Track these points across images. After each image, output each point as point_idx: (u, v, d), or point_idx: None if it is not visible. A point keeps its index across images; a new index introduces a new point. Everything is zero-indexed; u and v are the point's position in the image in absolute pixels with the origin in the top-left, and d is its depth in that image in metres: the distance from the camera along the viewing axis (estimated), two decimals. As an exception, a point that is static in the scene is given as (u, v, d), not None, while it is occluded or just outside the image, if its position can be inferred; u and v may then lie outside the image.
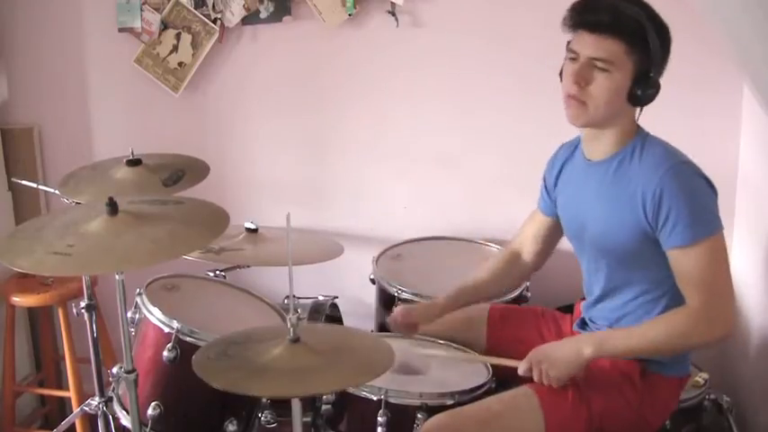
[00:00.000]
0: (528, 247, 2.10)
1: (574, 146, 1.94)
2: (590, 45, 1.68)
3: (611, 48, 1.66)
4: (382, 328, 2.34)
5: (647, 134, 1.78)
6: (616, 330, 1.83)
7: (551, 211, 2.02)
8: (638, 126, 1.79)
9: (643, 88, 1.69)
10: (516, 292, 2.33)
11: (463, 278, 2.12)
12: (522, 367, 1.80)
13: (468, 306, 2.11)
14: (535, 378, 1.77)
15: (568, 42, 1.75)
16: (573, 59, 1.72)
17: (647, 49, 1.66)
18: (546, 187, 2.02)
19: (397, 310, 2.11)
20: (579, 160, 1.89)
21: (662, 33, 1.68)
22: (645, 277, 1.78)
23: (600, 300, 1.89)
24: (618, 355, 1.78)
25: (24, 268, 1.50)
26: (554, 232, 2.05)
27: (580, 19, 1.70)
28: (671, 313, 1.71)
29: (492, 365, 1.96)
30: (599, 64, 1.68)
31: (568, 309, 2.14)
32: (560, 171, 1.96)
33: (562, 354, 1.76)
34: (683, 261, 1.68)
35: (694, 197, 1.67)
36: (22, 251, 1.54)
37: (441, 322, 2.08)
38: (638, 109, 1.76)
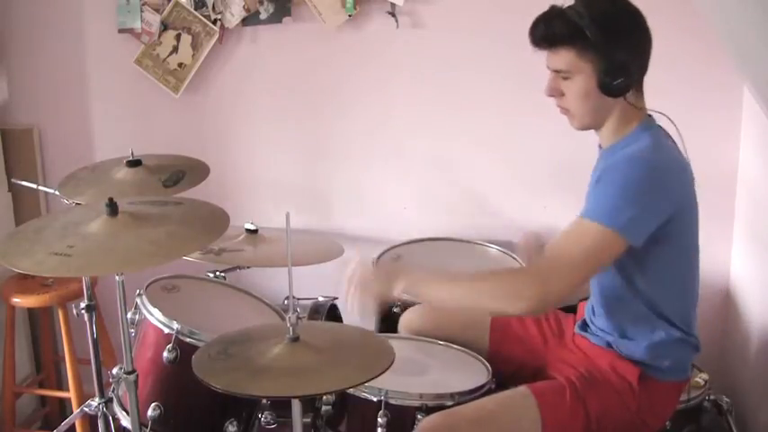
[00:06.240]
0: None
1: None
2: (549, 59, 1.74)
3: (562, 58, 1.70)
4: (383, 329, 2.34)
5: (650, 128, 1.75)
6: (440, 274, 1.83)
7: None
8: (644, 116, 1.76)
9: (610, 80, 1.67)
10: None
11: None
12: (349, 270, 1.78)
13: None
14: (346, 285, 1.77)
15: None
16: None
17: (594, 46, 1.65)
18: None
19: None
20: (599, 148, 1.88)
21: (609, 24, 1.66)
22: (633, 278, 1.75)
23: (596, 299, 1.88)
24: (434, 300, 1.80)
25: (24, 269, 1.50)
26: None
27: (531, 38, 1.74)
28: (507, 270, 1.70)
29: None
30: (560, 74, 1.73)
31: (571, 309, 2.14)
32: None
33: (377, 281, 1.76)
34: (569, 226, 1.66)
35: (625, 187, 1.63)
36: (23, 252, 1.54)
37: (443, 323, 2.08)
38: (626, 97, 1.72)
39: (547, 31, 1.70)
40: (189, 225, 1.65)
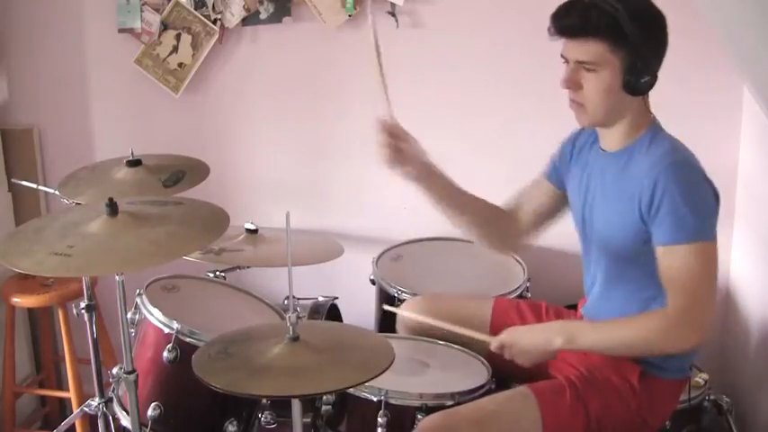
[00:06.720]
0: (526, 211, 2.03)
1: (596, 132, 1.91)
2: (572, 49, 1.69)
3: (591, 49, 1.65)
4: (382, 329, 2.34)
5: (660, 130, 1.76)
6: (591, 324, 1.83)
7: (558, 181, 1.97)
8: (653, 119, 1.77)
9: (636, 78, 1.66)
10: (517, 292, 2.33)
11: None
12: (493, 345, 1.83)
13: (438, 196, 2.06)
14: (506, 357, 1.82)
15: None
16: (566, 63, 1.73)
17: (628, 41, 1.63)
18: (560, 158, 1.97)
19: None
20: (596, 148, 1.86)
21: (644, 21, 1.64)
22: (643, 276, 1.75)
23: (598, 294, 1.88)
24: (588, 350, 1.79)
25: (24, 269, 1.50)
26: (554, 205, 1.99)
27: (557, 26, 1.69)
28: (648, 314, 1.70)
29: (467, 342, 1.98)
30: (585, 66, 1.68)
31: (571, 307, 2.14)
32: (576, 150, 1.92)
33: (532, 341, 1.77)
34: (669, 260, 1.65)
35: (693, 197, 1.64)
36: (23, 252, 1.54)
37: (443, 314, 2.06)
38: (644, 98, 1.73)
39: (581, 20, 1.65)
40: (189, 225, 1.65)
